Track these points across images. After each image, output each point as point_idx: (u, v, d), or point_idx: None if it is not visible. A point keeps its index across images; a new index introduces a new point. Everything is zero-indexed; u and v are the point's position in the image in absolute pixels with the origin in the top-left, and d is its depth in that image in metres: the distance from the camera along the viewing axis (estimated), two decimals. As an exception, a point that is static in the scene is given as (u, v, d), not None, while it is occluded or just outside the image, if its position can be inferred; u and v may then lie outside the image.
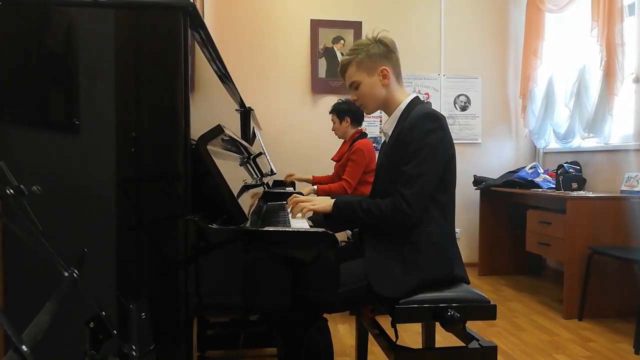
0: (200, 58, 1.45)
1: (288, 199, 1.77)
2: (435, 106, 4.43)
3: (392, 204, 1.49)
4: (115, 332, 0.79)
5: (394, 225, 1.51)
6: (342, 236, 3.55)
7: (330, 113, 3.41)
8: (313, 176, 3.65)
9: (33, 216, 0.68)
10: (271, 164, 3.20)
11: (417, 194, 1.47)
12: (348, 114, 3.30)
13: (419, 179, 1.48)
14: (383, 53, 1.63)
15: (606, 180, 3.55)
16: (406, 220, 1.49)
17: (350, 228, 2.74)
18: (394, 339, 1.53)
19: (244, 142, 1.96)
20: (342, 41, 4.40)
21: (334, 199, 1.62)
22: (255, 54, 4.33)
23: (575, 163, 3.78)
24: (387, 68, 1.62)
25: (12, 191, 0.63)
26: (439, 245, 1.53)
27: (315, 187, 3.25)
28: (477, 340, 1.51)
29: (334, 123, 3.39)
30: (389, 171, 1.60)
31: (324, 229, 1.25)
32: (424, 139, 1.49)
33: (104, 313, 0.78)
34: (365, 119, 3.61)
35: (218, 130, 1.28)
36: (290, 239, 1.22)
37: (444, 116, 1.57)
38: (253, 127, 2.98)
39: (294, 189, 3.51)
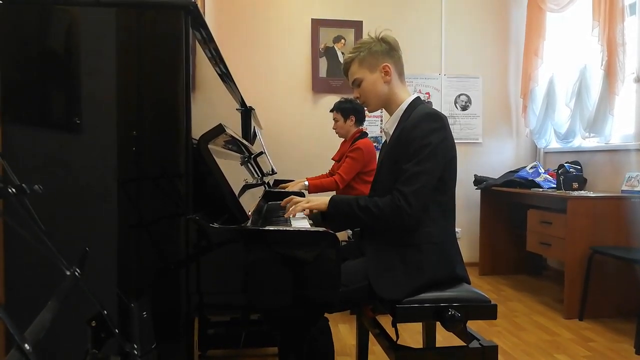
0: (202, 57, 1.45)
1: (284, 200, 1.76)
2: (435, 106, 4.43)
3: (390, 202, 1.47)
4: (116, 331, 0.79)
5: (393, 224, 1.49)
6: (342, 235, 3.55)
7: (332, 111, 3.37)
8: (307, 179, 3.57)
9: (35, 215, 0.68)
10: (272, 163, 3.19)
11: (416, 192, 1.46)
12: (353, 112, 3.28)
13: (420, 177, 1.46)
14: (385, 50, 1.63)
15: (607, 180, 3.55)
16: (405, 218, 1.46)
17: (346, 228, 2.72)
18: (394, 339, 1.53)
19: (244, 142, 1.96)
20: (342, 40, 4.40)
21: (330, 197, 1.61)
22: (256, 53, 4.33)
23: (576, 163, 3.78)
24: (388, 65, 1.62)
25: (14, 190, 0.63)
26: (440, 246, 1.53)
27: (306, 182, 3.21)
28: (478, 339, 1.51)
29: (336, 121, 3.36)
30: (389, 170, 1.59)
31: (325, 229, 1.25)
32: (426, 138, 1.48)
33: (105, 312, 0.78)
34: (365, 119, 3.59)
35: (219, 129, 1.28)
36: (291, 239, 1.22)
37: (446, 116, 1.57)
38: (254, 127, 2.97)
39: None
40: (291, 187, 3.22)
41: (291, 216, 1.65)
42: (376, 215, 1.48)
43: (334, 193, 3.25)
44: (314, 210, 1.64)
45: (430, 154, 1.48)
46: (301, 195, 2.46)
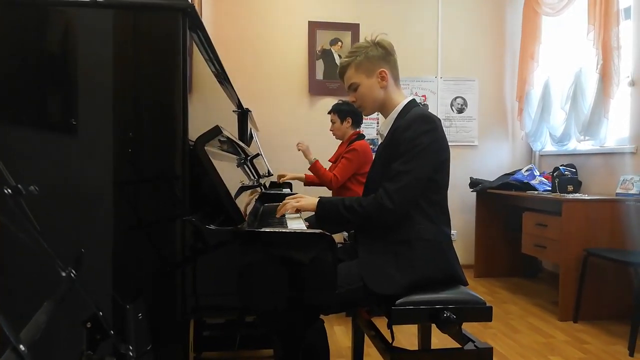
0: (198, 59, 1.46)
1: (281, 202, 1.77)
2: (432, 108, 4.44)
3: (373, 200, 1.50)
4: (112, 332, 0.79)
5: (377, 221, 1.51)
6: (338, 237, 3.55)
7: (329, 113, 3.39)
8: (306, 174, 3.61)
9: (30, 216, 0.68)
10: (268, 165, 3.20)
11: (401, 190, 1.48)
12: (350, 114, 3.30)
13: (406, 175, 1.49)
14: (382, 55, 1.64)
15: (602, 183, 3.57)
16: (388, 215, 1.48)
17: (338, 229, 2.73)
18: (390, 341, 1.53)
19: (241, 143, 1.96)
20: (339, 43, 4.41)
21: (319, 199, 1.63)
22: (253, 55, 4.33)
23: (571, 165, 3.80)
24: (385, 70, 1.63)
25: (9, 191, 0.63)
26: (433, 244, 1.53)
27: (303, 175, 3.27)
28: (473, 341, 1.51)
29: (333, 123, 3.37)
30: (380, 170, 1.61)
31: (321, 230, 1.26)
32: (416, 139, 1.49)
33: (101, 313, 0.78)
34: (363, 121, 3.60)
35: (216, 131, 1.28)
36: (287, 240, 1.22)
37: (440, 119, 1.58)
38: (250, 128, 2.97)
39: (291, 190, 3.51)
40: (289, 177, 3.45)
41: (287, 218, 1.67)
42: (360, 214, 1.51)
43: (329, 193, 3.26)
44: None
45: (418, 155, 1.49)
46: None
